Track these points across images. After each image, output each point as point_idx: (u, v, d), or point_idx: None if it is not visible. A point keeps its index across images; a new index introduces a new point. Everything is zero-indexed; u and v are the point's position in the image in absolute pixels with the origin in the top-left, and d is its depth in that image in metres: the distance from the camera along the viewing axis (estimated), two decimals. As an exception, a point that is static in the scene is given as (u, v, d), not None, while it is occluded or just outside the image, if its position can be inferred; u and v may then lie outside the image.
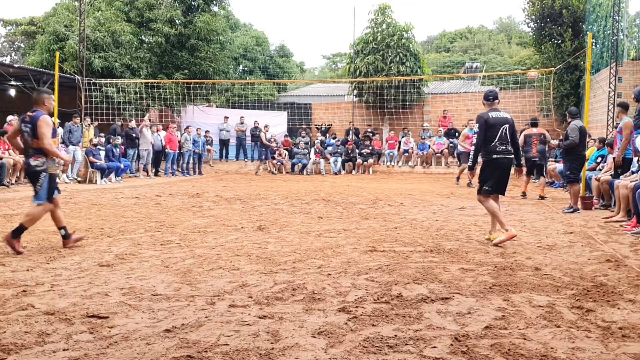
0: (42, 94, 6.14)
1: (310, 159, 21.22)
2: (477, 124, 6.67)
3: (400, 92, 22.24)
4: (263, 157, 21.12)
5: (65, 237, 6.22)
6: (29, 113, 6.01)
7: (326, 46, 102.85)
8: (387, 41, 22.60)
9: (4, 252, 5.87)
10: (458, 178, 15.85)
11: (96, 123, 18.70)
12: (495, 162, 6.59)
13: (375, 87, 22.40)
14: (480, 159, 6.83)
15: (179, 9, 21.94)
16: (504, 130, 6.56)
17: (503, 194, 6.92)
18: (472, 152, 6.77)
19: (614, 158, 9.77)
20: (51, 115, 6.26)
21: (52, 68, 17.22)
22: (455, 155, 20.97)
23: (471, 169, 6.99)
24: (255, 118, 22.84)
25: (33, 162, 5.98)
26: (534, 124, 12.46)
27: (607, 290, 4.48)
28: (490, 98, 6.80)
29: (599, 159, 11.58)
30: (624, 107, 9.66)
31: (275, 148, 21.26)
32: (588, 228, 7.86)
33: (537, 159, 11.93)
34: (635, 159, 8.77)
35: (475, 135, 6.73)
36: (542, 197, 11.69)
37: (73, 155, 15.95)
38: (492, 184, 6.63)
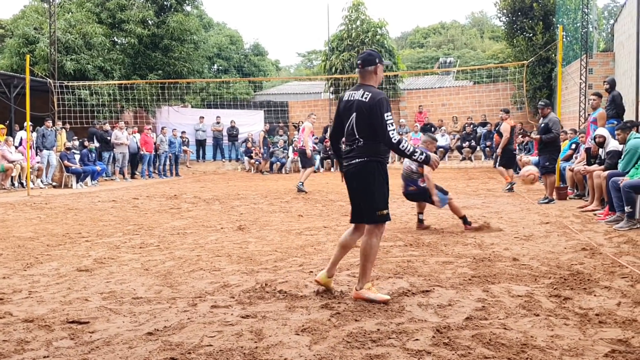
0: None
1: (288, 157, 21.20)
2: None
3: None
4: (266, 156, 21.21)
5: (465, 222, 7.17)
6: None
7: (301, 44, 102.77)
8: (361, 38, 22.70)
9: (-21, 260, 5.78)
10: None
11: (68, 127, 18.43)
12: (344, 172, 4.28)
13: (352, 84, 22.44)
14: None
15: (151, 9, 21.73)
16: (351, 122, 4.14)
17: (354, 221, 4.34)
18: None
19: (587, 149, 9.95)
20: None
21: (22, 72, 16.91)
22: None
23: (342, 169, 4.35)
24: (231, 117, 22.76)
25: (422, 185, 7.09)
26: (507, 110, 12.66)
27: (583, 278, 4.57)
28: (358, 64, 4.27)
29: (574, 146, 11.78)
30: (600, 96, 10.02)
31: (253, 148, 21.23)
32: (563, 218, 7.99)
33: (516, 152, 11.99)
34: (601, 151, 8.97)
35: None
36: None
37: (47, 159, 15.72)
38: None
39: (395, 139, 3.97)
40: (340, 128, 4.27)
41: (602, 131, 8.91)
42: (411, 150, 4.08)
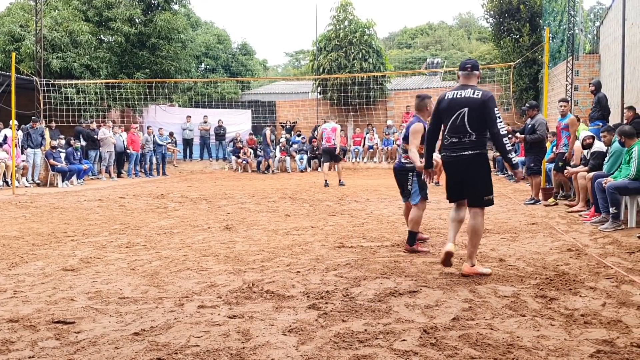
0: (425, 99, 6.10)
1: (275, 157, 21.17)
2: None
3: (364, 89, 22.36)
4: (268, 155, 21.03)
5: (410, 240, 5.96)
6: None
7: (289, 43, 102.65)
8: (349, 38, 22.69)
9: (-37, 259, 5.71)
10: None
11: (53, 125, 18.25)
12: (444, 162, 4.94)
13: (339, 84, 22.47)
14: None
15: (139, 7, 21.57)
16: (460, 116, 4.69)
17: (456, 199, 5.00)
18: (425, 147, 5.15)
19: (560, 153, 10.00)
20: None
21: (8, 69, 16.71)
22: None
23: (427, 167, 5.16)
24: (218, 117, 22.70)
25: (404, 161, 6.15)
26: None
27: (569, 278, 4.61)
28: (467, 67, 4.89)
29: (555, 149, 11.89)
30: (568, 102, 10.16)
31: (241, 146, 21.16)
32: (549, 219, 8.05)
33: None
34: (586, 151, 9.05)
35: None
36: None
37: (33, 158, 15.55)
38: (447, 187, 5.03)
39: (503, 132, 4.56)
40: (438, 126, 4.94)
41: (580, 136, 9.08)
42: (510, 148, 4.61)
